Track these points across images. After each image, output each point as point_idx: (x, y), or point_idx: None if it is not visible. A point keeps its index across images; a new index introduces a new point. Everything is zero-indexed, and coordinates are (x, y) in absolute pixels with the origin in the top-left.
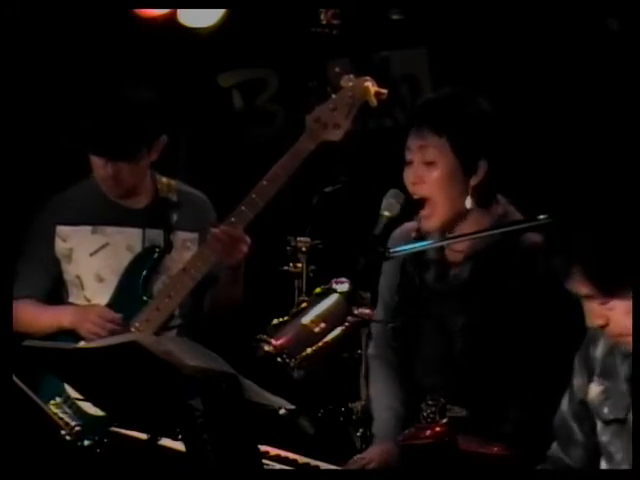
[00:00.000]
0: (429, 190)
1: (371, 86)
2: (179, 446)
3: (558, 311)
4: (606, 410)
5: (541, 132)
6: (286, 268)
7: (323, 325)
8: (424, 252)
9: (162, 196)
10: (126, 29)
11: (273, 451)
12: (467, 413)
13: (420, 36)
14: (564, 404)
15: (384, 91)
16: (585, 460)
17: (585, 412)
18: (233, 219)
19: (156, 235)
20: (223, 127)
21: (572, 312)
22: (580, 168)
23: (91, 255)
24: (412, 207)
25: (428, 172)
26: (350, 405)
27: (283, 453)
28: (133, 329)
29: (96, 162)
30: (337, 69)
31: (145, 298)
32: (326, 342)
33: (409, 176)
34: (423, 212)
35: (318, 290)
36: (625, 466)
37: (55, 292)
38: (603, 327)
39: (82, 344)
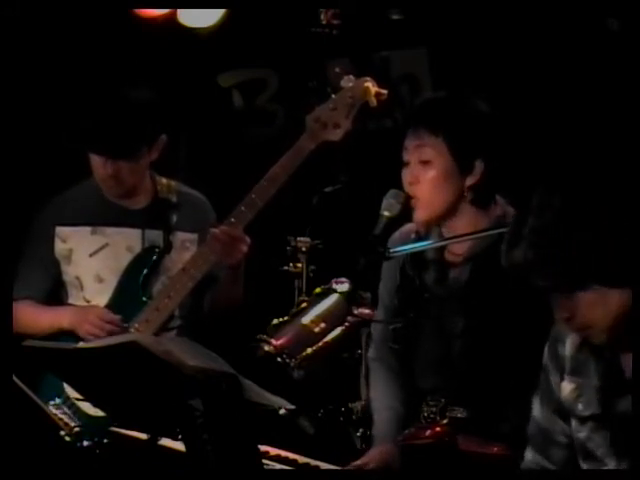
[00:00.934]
0: (424, 189)
1: (371, 86)
2: (179, 446)
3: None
4: (580, 407)
5: (541, 132)
6: (286, 268)
7: (323, 325)
8: (423, 254)
9: (162, 197)
10: (126, 29)
11: (273, 451)
12: (467, 414)
13: (420, 36)
14: (536, 409)
15: (384, 92)
16: (568, 461)
17: (564, 410)
18: (233, 219)
19: (156, 236)
20: (223, 127)
21: None
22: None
23: (90, 256)
24: (412, 208)
25: (424, 171)
26: (350, 405)
27: (283, 453)
28: (133, 329)
29: (96, 161)
30: (337, 69)
31: (145, 299)
32: (326, 342)
33: (406, 176)
34: (414, 205)
35: (318, 290)
36: (610, 460)
37: (54, 293)
38: (569, 319)
39: (82, 344)
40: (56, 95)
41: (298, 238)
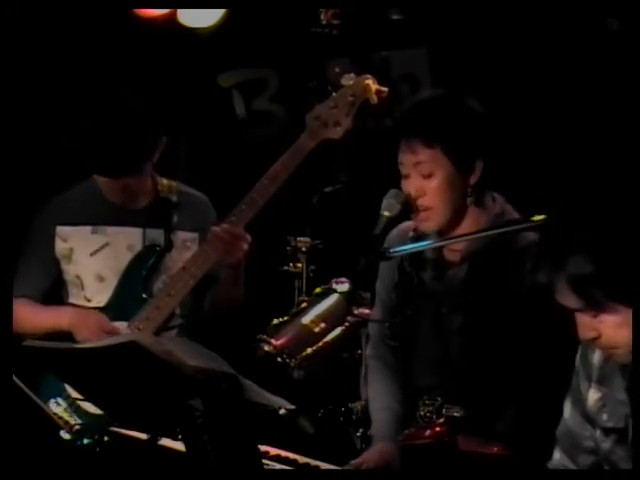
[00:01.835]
0: (432, 200)
1: (372, 84)
2: (179, 446)
3: (554, 310)
4: (604, 417)
5: (541, 132)
6: (286, 268)
7: (323, 325)
8: (422, 252)
9: (162, 196)
10: (126, 29)
11: (273, 451)
12: (464, 412)
13: (420, 36)
14: (567, 411)
15: (385, 89)
16: (594, 466)
17: (591, 417)
18: (233, 217)
19: (156, 235)
20: (223, 127)
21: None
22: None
23: (91, 255)
24: (411, 207)
25: (427, 183)
26: (350, 405)
27: (283, 453)
28: (133, 328)
29: (103, 179)
30: (337, 69)
31: (145, 297)
32: (326, 342)
33: (409, 189)
34: (423, 216)
35: (318, 290)
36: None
37: (54, 292)
38: (595, 339)
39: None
40: (56, 95)
41: (298, 238)
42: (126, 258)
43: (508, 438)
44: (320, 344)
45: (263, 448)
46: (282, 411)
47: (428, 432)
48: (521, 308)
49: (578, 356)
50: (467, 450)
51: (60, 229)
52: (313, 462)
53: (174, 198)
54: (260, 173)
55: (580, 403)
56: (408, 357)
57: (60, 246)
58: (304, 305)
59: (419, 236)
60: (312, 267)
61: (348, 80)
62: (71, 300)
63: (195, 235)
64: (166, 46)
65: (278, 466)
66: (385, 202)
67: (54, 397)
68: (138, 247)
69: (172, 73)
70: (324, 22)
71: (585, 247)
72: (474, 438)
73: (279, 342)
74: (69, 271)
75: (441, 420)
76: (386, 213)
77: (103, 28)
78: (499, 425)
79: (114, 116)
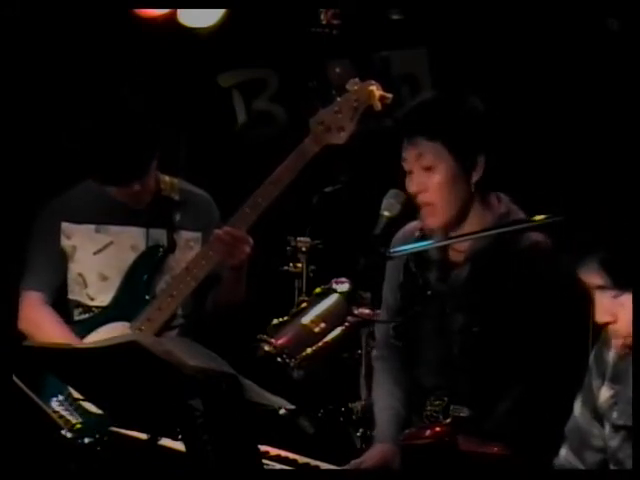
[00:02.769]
0: (434, 196)
1: (376, 90)
2: (179, 446)
3: (559, 310)
4: (615, 415)
5: (542, 131)
6: (286, 268)
7: (323, 325)
8: (427, 252)
9: (164, 195)
10: (126, 29)
11: (273, 451)
12: (470, 413)
13: (420, 36)
14: (577, 408)
15: (389, 95)
16: (601, 465)
17: (601, 415)
18: (236, 220)
19: (160, 235)
20: (223, 127)
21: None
22: (581, 168)
23: (95, 254)
24: (413, 207)
25: (429, 178)
26: (350, 405)
27: (283, 453)
28: (135, 329)
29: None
30: (337, 69)
31: (148, 297)
32: (326, 342)
33: (411, 185)
34: (427, 212)
35: (318, 290)
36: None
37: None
38: (611, 324)
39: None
40: (56, 94)
41: (298, 238)
42: (129, 258)
43: (509, 437)
44: (320, 344)
45: (263, 448)
46: (282, 411)
47: (428, 432)
48: (525, 308)
49: (592, 355)
50: (467, 450)
51: (65, 225)
52: (313, 462)
53: (176, 197)
54: (260, 173)
55: (591, 401)
56: (413, 358)
57: (64, 243)
58: (304, 305)
59: (425, 236)
60: (312, 267)
61: (353, 85)
62: (71, 297)
63: (198, 235)
64: (166, 46)
65: (278, 466)
66: (385, 202)
67: (56, 396)
68: (141, 247)
69: (172, 73)
70: (324, 22)
71: (616, 228)
72: (474, 438)
73: (279, 342)
74: (71, 268)
75: (448, 420)
76: (386, 213)
77: (103, 28)
78: (503, 425)
79: (114, 116)
